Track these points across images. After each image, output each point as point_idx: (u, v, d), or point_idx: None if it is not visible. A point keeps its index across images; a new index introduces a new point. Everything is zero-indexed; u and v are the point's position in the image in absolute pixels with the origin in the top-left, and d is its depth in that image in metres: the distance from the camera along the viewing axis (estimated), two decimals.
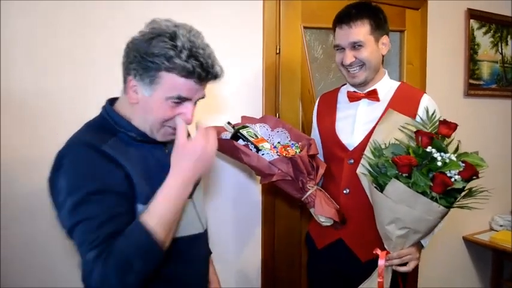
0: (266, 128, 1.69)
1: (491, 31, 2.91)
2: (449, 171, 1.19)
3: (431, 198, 1.22)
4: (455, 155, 1.23)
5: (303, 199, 1.54)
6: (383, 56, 1.60)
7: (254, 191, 2.09)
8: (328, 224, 1.55)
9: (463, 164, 1.20)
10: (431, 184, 1.19)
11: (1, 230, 1.50)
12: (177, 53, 1.01)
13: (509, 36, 3.02)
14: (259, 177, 2.05)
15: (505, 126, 3.06)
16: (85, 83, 1.61)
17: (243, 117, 1.77)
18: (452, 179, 1.20)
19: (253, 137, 1.57)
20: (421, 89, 2.20)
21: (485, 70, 2.92)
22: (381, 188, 1.29)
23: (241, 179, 2.06)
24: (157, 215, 0.99)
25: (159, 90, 1.04)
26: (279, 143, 1.63)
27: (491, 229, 3.01)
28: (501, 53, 2.99)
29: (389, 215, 1.28)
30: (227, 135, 1.60)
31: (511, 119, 3.10)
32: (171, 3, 1.76)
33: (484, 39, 2.88)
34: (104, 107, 1.16)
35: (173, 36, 1.02)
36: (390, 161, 1.25)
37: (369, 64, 1.55)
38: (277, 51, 2.07)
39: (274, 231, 2.13)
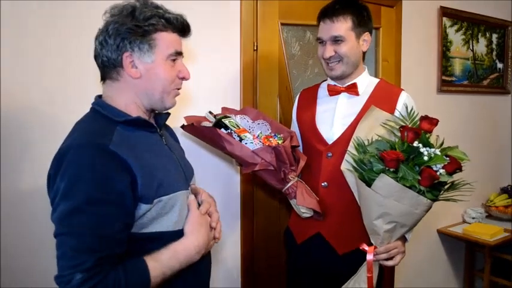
0: (247, 119, 1.68)
1: (463, 29, 2.99)
2: (435, 165, 1.22)
3: (419, 191, 1.25)
4: (439, 149, 1.26)
5: (283, 190, 1.55)
6: (364, 52, 1.64)
7: (233, 185, 2.08)
8: (309, 215, 1.57)
9: (448, 158, 1.23)
10: (420, 178, 1.22)
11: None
12: (165, 10, 1.11)
13: (479, 34, 3.11)
14: (238, 172, 2.07)
15: (475, 121, 3.14)
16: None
17: (223, 108, 1.75)
18: (438, 173, 1.23)
19: (235, 127, 1.56)
20: (399, 86, 2.23)
21: (457, 67, 2.99)
22: (367, 183, 1.30)
23: (220, 173, 2.04)
24: (162, 268, 1.03)
25: (159, 52, 1.10)
26: (260, 133, 1.62)
27: (464, 221, 3.09)
28: (472, 50, 3.07)
29: (378, 210, 1.30)
30: (208, 124, 1.57)
31: (481, 114, 3.19)
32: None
33: (456, 37, 2.95)
34: (96, 103, 1.14)
35: (147, 3, 1.11)
36: (376, 156, 1.26)
37: (347, 59, 1.58)
38: (255, 48, 2.06)
39: (253, 226, 2.13)
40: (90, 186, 0.96)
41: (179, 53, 1.15)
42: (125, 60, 1.08)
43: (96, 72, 1.13)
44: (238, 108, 2.00)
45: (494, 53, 3.23)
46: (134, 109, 1.13)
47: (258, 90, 2.09)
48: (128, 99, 1.12)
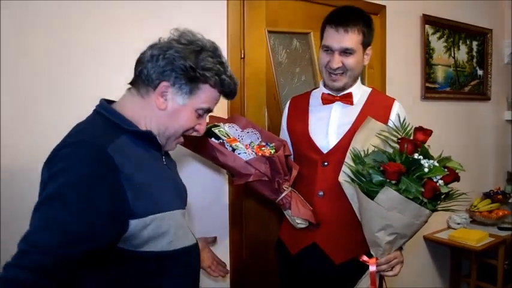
0: (235, 128, 1.64)
1: (445, 36, 3.03)
2: (435, 176, 1.21)
3: (420, 203, 1.24)
4: (437, 160, 1.26)
5: (277, 201, 1.51)
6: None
7: (222, 194, 2.04)
8: (303, 226, 1.53)
9: (446, 170, 1.23)
10: (423, 190, 1.21)
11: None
12: (224, 70, 1.09)
13: (460, 41, 3.16)
14: (227, 182, 2.02)
15: (458, 127, 3.18)
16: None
17: (211, 117, 1.68)
18: (437, 184, 1.23)
19: (225, 136, 1.51)
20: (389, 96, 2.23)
21: (439, 74, 3.02)
22: (366, 195, 1.29)
23: (209, 182, 2.00)
24: None
25: (194, 101, 1.08)
26: (252, 143, 1.58)
27: (449, 227, 3.11)
28: (454, 57, 3.11)
29: (381, 223, 1.29)
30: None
31: (463, 120, 3.23)
32: (133, 4, 1.69)
33: (438, 44, 2.99)
34: (102, 106, 1.09)
35: (216, 53, 1.09)
36: (376, 168, 1.25)
37: (351, 72, 1.55)
38: (242, 56, 2.03)
39: (242, 236, 2.09)
40: (68, 182, 0.90)
41: (210, 111, 1.14)
42: (160, 87, 1.05)
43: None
44: (225, 116, 1.96)
45: (475, 60, 3.29)
46: (143, 126, 1.09)
47: (245, 98, 2.05)
48: (141, 116, 1.08)
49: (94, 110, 1.10)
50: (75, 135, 1.01)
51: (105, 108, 1.08)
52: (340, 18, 1.51)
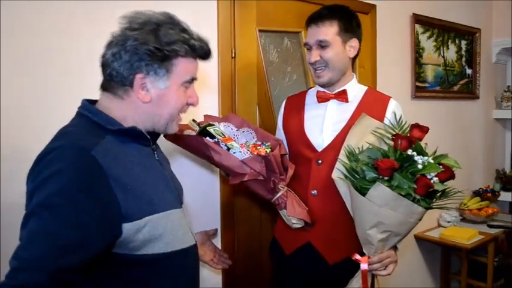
0: (231, 127, 1.62)
1: (434, 35, 3.04)
2: (429, 173, 1.20)
3: (413, 200, 1.24)
4: (432, 157, 1.25)
5: (273, 200, 1.50)
6: (353, 59, 1.62)
7: (213, 194, 2.03)
8: (299, 226, 1.52)
9: (441, 167, 1.22)
10: (415, 186, 1.20)
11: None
12: (190, 36, 1.04)
13: (449, 41, 3.18)
14: (219, 179, 2.00)
15: (448, 126, 3.20)
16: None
17: (206, 116, 1.67)
18: (432, 181, 1.22)
19: (220, 136, 1.49)
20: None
21: (429, 73, 3.04)
22: (359, 192, 1.28)
23: (200, 181, 1.98)
24: None
25: (174, 78, 1.04)
26: (247, 142, 1.56)
27: (439, 226, 3.12)
28: (443, 57, 3.13)
29: (372, 219, 1.28)
30: (192, 133, 1.50)
31: (453, 119, 3.25)
32: (124, 3, 1.66)
33: (427, 43, 3.00)
34: (84, 108, 1.05)
35: (174, 22, 1.03)
36: (370, 165, 1.24)
37: (332, 65, 1.56)
38: (233, 55, 2.02)
39: (234, 236, 2.07)
40: (54, 190, 0.86)
41: (194, 79, 1.10)
42: (137, 81, 1.00)
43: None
44: (217, 114, 1.95)
45: (464, 59, 3.31)
46: (130, 124, 1.04)
47: (236, 98, 2.04)
48: (128, 116, 1.04)
49: (77, 112, 1.06)
50: (58, 140, 0.97)
51: (88, 109, 1.04)
52: (313, 16, 1.58)
